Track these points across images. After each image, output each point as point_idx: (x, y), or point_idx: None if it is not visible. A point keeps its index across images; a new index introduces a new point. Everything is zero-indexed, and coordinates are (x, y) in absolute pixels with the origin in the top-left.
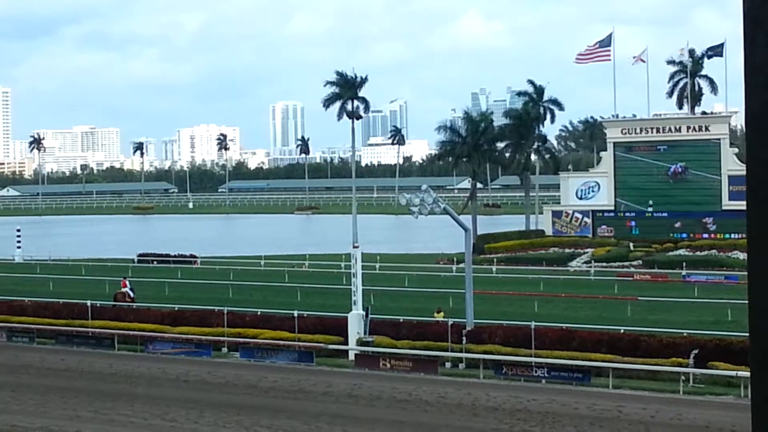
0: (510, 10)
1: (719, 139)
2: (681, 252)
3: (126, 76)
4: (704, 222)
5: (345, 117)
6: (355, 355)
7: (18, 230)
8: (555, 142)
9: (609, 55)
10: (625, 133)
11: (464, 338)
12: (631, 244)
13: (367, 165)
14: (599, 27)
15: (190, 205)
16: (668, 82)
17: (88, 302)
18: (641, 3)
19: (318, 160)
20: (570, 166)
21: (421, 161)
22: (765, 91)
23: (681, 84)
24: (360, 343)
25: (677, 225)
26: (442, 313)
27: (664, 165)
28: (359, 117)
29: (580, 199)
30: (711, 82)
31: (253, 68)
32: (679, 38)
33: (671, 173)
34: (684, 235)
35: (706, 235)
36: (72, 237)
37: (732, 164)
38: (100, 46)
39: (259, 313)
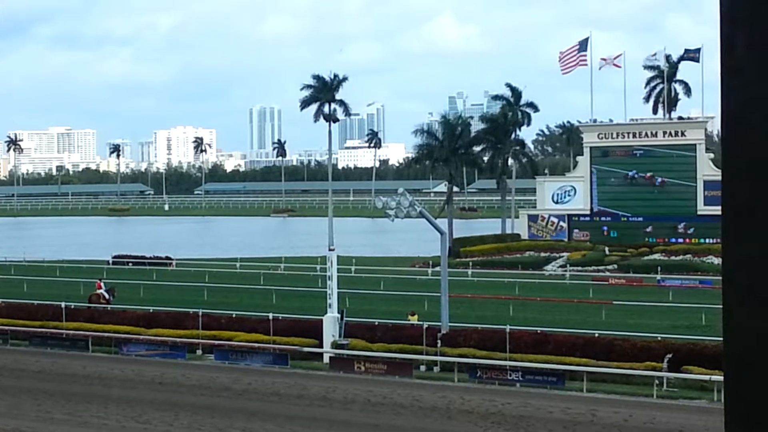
0: (483, 13)
1: (695, 145)
2: (656, 256)
3: (101, 77)
4: (679, 227)
5: (322, 120)
6: (330, 357)
7: None
8: (532, 146)
9: (586, 60)
10: (602, 138)
11: (439, 341)
12: (607, 249)
13: (343, 168)
14: (574, 31)
15: (166, 207)
16: (645, 87)
17: (63, 304)
18: (616, 7)
19: (295, 163)
20: (546, 170)
21: (397, 164)
22: (742, 93)
23: (658, 89)
24: (335, 345)
25: (648, 230)
26: (415, 316)
27: (635, 171)
28: (336, 120)
29: (556, 203)
30: (686, 85)
31: (229, 69)
32: (654, 43)
33: (652, 183)
34: (672, 240)
35: (681, 240)
36: (47, 238)
37: (707, 169)
38: (73, 45)
39: (234, 315)
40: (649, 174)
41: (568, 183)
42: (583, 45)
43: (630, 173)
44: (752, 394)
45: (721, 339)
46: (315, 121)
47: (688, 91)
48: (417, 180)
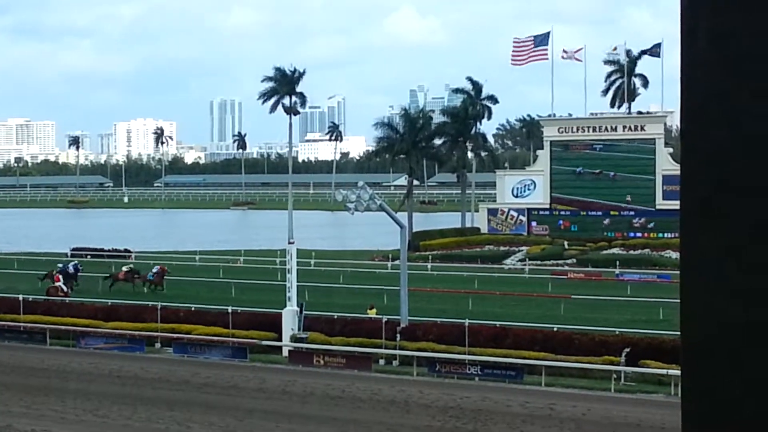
0: (444, 6)
1: (654, 139)
2: (615, 251)
3: (61, 68)
4: (638, 221)
5: (283, 112)
6: (289, 351)
7: None
8: (492, 140)
9: (546, 54)
10: (562, 132)
11: (398, 335)
12: (566, 243)
13: (304, 161)
14: (533, 24)
15: (126, 199)
16: (605, 81)
17: (20, 296)
18: (575, 0)
19: (255, 156)
20: (506, 164)
21: (358, 157)
22: (703, 85)
23: (617, 83)
24: (294, 339)
25: (606, 222)
26: (374, 310)
27: (581, 167)
28: (297, 112)
29: (516, 197)
30: (644, 79)
31: (190, 62)
32: (614, 37)
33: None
34: (631, 234)
35: (639, 234)
36: (4, 230)
37: (666, 164)
38: (33, 37)
39: (193, 308)
40: (598, 170)
41: (528, 177)
42: (541, 39)
43: (578, 170)
44: (709, 388)
45: (678, 333)
46: (271, 113)
47: (645, 83)
48: (377, 173)
